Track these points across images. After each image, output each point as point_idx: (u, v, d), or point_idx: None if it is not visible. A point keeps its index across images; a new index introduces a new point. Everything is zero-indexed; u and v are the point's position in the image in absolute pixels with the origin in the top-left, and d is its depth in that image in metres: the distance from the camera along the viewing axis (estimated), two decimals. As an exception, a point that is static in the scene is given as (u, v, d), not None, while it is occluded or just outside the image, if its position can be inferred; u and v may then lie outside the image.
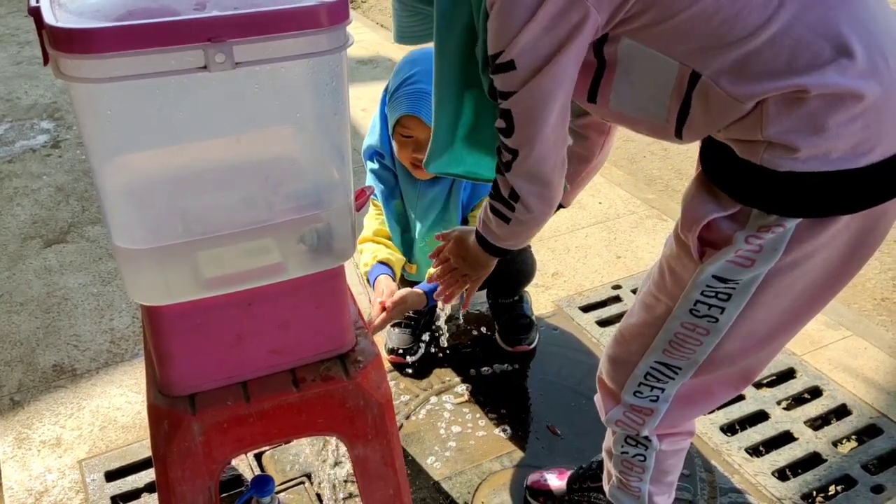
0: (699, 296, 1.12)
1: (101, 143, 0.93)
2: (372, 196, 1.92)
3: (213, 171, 1.04)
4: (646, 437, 1.32)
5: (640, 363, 1.24)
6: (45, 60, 0.89)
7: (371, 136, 1.88)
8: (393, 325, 2.07)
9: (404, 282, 2.09)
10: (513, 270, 2.03)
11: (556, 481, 1.67)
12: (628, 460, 1.37)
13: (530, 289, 2.21)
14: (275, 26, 0.88)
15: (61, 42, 0.82)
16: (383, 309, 1.82)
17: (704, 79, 0.98)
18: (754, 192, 1.02)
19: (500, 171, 1.18)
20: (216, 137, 1.02)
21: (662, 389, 1.24)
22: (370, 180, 1.93)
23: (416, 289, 1.87)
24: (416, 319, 2.10)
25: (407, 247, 1.99)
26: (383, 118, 1.84)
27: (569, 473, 1.67)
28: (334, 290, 1.13)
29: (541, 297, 2.31)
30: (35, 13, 0.86)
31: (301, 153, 1.09)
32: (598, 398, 1.38)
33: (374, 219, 1.96)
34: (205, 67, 0.86)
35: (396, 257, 1.93)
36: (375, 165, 1.91)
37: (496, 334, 2.15)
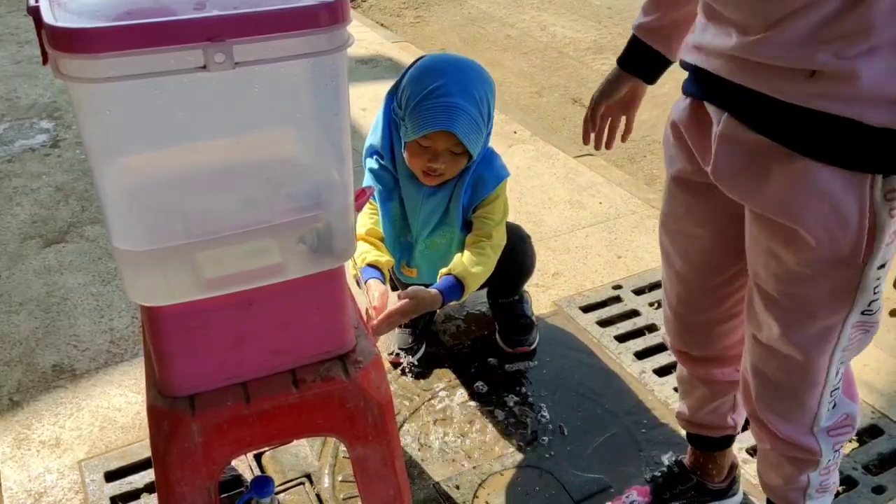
0: (871, 295, 1.08)
1: (100, 144, 0.93)
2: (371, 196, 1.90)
3: (213, 171, 1.04)
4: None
5: (821, 401, 1.22)
6: (45, 60, 0.88)
7: (373, 136, 1.85)
8: (393, 325, 2.05)
9: (399, 283, 2.08)
10: (512, 266, 2.00)
11: (641, 499, 1.64)
12: (833, 462, 1.34)
13: (530, 289, 2.21)
14: (275, 26, 0.88)
15: (60, 42, 0.82)
16: (379, 313, 1.67)
17: None
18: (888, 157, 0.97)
19: None
20: (216, 138, 1.01)
21: (838, 388, 1.23)
22: (368, 178, 1.89)
23: (431, 289, 1.74)
24: (416, 320, 2.09)
25: (402, 249, 1.95)
26: (387, 118, 1.80)
27: (646, 488, 1.64)
28: (334, 291, 1.13)
29: (541, 297, 2.31)
30: (34, 13, 0.86)
31: (301, 154, 1.09)
32: (792, 455, 1.32)
33: (368, 217, 1.88)
34: (204, 67, 0.86)
35: (386, 259, 1.82)
36: (375, 165, 1.87)
37: (496, 335, 2.15)
